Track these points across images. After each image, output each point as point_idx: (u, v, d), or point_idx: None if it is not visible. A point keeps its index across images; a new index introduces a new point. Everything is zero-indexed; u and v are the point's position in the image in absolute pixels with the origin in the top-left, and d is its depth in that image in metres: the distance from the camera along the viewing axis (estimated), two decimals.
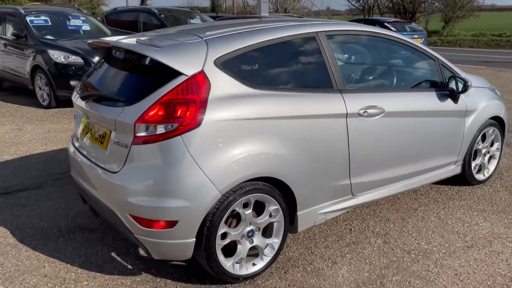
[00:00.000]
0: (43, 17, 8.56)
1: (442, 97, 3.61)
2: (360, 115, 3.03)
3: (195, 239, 2.52)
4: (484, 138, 4.18)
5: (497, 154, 4.40)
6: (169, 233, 2.47)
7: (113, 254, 3.12)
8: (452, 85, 3.59)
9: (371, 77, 3.37)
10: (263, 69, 2.80)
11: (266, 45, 2.79)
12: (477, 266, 2.91)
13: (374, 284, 2.72)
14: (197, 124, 2.42)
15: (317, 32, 3.02)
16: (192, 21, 10.35)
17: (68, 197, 4.07)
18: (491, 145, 4.32)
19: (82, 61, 7.62)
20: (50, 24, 8.59)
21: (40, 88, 8.04)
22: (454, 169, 3.96)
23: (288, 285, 2.72)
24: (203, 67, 2.52)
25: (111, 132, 2.64)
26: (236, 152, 2.53)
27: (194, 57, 2.54)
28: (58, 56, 7.60)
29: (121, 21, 10.54)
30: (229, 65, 2.61)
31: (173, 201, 2.41)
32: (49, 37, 8.27)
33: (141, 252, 3.10)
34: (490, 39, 25.23)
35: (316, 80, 2.96)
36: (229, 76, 2.58)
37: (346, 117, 2.97)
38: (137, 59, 2.69)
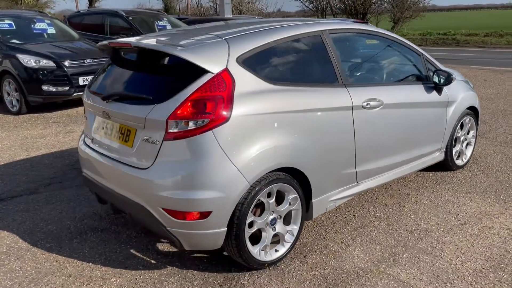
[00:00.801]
0: (7, 21, 8.30)
1: (428, 90, 3.92)
2: (363, 107, 3.27)
3: (226, 229, 2.64)
4: (461, 126, 4.54)
5: (473, 141, 4.79)
6: (202, 224, 2.58)
7: (132, 251, 3.18)
8: (437, 78, 3.90)
9: (369, 72, 3.61)
10: (278, 65, 2.97)
11: (280, 43, 2.96)
12: (474, 241, 3.21)
13: (388, 262, 2.95)
14: (226, 119, 2.55)
15: (322, 30, 3.23)
16: (160, 23, 10.33)
17: (69, 200, 4.06)
18: (468, 133, 4.69)
19: (54, 65, 7.47)
20: (14, 28, 8.34)
21: (8, 94, 7.80)
22: (439, 156, 4.29)
23: (310, 268, 2.90)
24: (227, 65, 2.66)
25: (137, 130, 2.72)
26: (261, 144, 2.68)
27: (218, 56, 2.68)
28: (28, 60, 7.41)
29: (86, 24, 10.35)
30: (249, 62, 2.76)
31: (206, 192, 2.53)
32: (15, 41, 8.03)
33: (159, 247, 3.18)
34: (437, 38, 26.62)
35: (324, 75, 3.16)
36: (250, 73, 2.73)
37: (352, 110, 3.19)
38: (162, 58, 2.78)
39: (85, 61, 7.83)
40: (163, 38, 2.95)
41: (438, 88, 4.00)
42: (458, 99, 4.30)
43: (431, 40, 25.77)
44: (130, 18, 9.75)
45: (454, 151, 4.48)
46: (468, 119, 4.58)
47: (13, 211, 3.87)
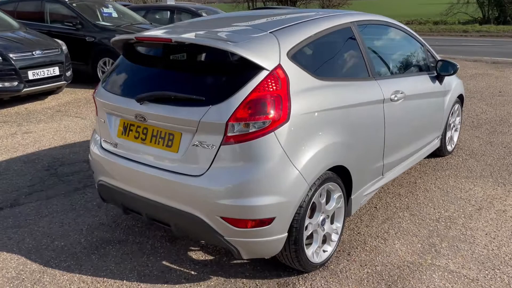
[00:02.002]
0: None
1: (433, 79, 4.02)
2: (391, 100, 3.26)
3: (287, 234, 2.51)
4: (451, 113, 4.73)
5: (459, 127, 5.02)
6: (265, 231, 2.43)
7: (165, 262, 2.93)
8: (444, 68, 4.00)
9: (389, 64, 3.60)
10: (321, 59, 2.85)
11: (320, 36, 2.85)
12: (497, 225, 3.36)
13: (431, 253, 2.99)
14: (286, 119, 2.40)
15: (351, 22, 3.15)
16: (105, 10, 9.65)
17: (64, 211, 3.66)
18: (455, 119, 4.90)
19: (0, 58, 6.71)
20: None
21: None
22: (437, 143, 4.44)
23: (360, 266, 2.86)
24: (279, 61, 2.50)
25: (182, 134, 2.48)
26: (316, 144, 2.57)
27: (270, 51, 2.51)
28: None
29: (21, 12, 9.39)
30: (297, 57, 2.62)
31: (269, 198, 2.38)
32: None
33: (192, 255, 2.97)
34: None
35: (358, 69, 3.10)
36: (300, 68, 2.60)
37: (383, 103, 3.17)
38: (208, 55, 2.55)
39: (33, 53, 7.12)
40: (200, 32, 2.70)
41: (440, 78, 4.10)
42: (452, 87, 4.46)
43: None
44: (74, 4, 9.00)
45: (447, 138, 4.66)
46: (457, 107, 4.77)
47: (3, 227, 3.41)
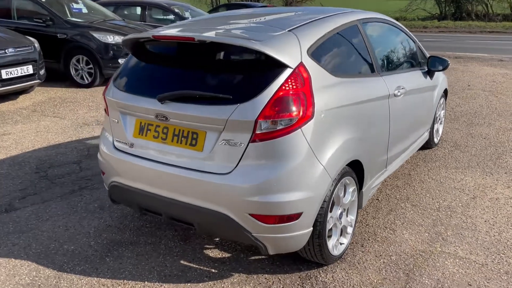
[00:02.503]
0: None
1: (424, 74, 4.18)
2: (395, 95, 3.37)
3: (312, 228, 2.57)
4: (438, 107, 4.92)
5: (443, 120, 5.23)
6: (292, 226, 2.47)
7: (183, 262, 2.93)
8: (436, 64, 4.16)
9: (389, 60, 3.71)
10: (335, 57, 2.91)
11: (332, 34, 2.91)
12: (493, 212, 3.55)
13: (439, 241, 3.12)
14: (311, 116, 2.45)
15: (357, 20, 3.24)
16: (75, 6, 9.35)
17: (65, 214, 3.57)
18: (440, 112, 5.11)
19: None
20: None
21: None
22: (427, 136, 4.62)
23: (376, 257, 2.95)
24: (301, 59, 2.54)
25: (207, 132, 2.48)
26: (337, 139, 2.64)
27: (292, 49, 2.54)
28: None
29: None
30: (315, 54, 2.67)
31: (297, 193, 2.42)
32: None
33: (209, 253, 2.98)
34: None
35: (365, 66, 3.19)
36: (318, 66, 2.65)
37: (388, 98, 3.28)
38: (230, 52, 2.56)
39: (6, 51, 6.83)
40: (219, 30, 2.69)
41: (431, 73, 4.27)
42: (439, 82, 4.65)
43: None
44: (44, 0, 8.68)
45: (434, 130, 4.85)
46: (442, 100, 4.98)
47: (4, 233, 3.29)
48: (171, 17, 10.85)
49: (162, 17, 11.16)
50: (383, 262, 2.88)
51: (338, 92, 2.73)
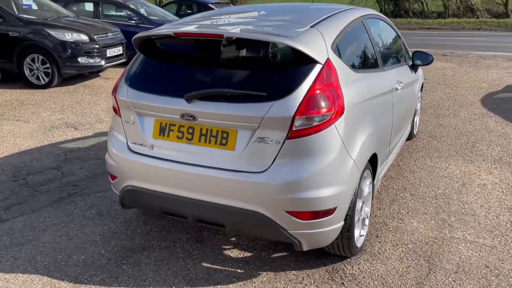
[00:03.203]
0: None
1: (410, 69, 4.34)
2: (396, 89, 3.49)
3: (343, 222, 2.60)
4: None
5: (419, 112, 5.47)
6: (327, 221, 2.49)
7: (205, 264, 2.86)
8: (420, 58, 4.33)
9: (386, 55, 3.81)
10: (351, 52, 2.96)
11: (347, 30, 2.95)
12: (485, 197, 3.76)
13: (446, 227, 3.27)
14: (343, 111, 2.48)
15: (362, 16, 3.31)
16: (24, 1, 8.79)
17: (63, 223, 3.37)
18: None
19: None
20: None
21: None
22: (409, 128, 4.81)
23: (393, 246, 3.04)
24: (328, 54, 2.56)
25: (238, 131, 2.44)
26: (362, 133, 2.70)
27: (319, 45, 2.55)
28: None
29: None
30: (337, 50, 2.70)
31: (332, 188, 2.45)
32: None
33: (229, 253, 2.93)
34: None
35: (373, 61, 3.27)
36: (341, 61, 2.68)
37: (392, 92, 3.39)
38: (264, 50, 2.52)
39: None
40: (244, 26, 2.64)
41: (415, 67, 4.45)
42: (419, 76, 4.85)
43: None
44: None
45: (414, 122, 5.06)
46: (420, 93, 5.20)
47: (0, 247, 3.05)
48: (126, 13, 10.48)
49: (116, 13, 10.75)
50: (402, 251, 2.97)
51: (358, 86, 2.78)
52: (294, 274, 2.75)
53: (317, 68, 2.45)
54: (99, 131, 5.61)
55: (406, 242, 3.07)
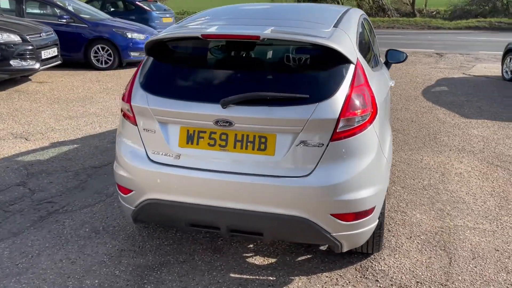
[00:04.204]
0: None
1: (385, 66, 4.52)
2: (391, 86, 3.61)
3: (378, 221, 2.64)
4: None
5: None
6: (367, 221, 2.50)
7: (233, 275, 2.75)
8: (395, 56, 4.51)
9: (378, 54, 3.91)
10: (365, 51, 2.99)
11: (359, 30, 2.98)
12: (467, 186, 4.02)
13: (446, 216, 3.45)
14: (377, 110, 2.51)
15: (360, 15, 3.37)
16: None
17: (58, 245, 3.05)
18: None
19: None
20: None
21: None
22: None
23: (407, 239, 3.14)
24: (356, 54, 2.57)
25: (277, 135, 2.37)
26: (387, 131, 2.76)
27: (350, 44, 2.55)
28: None
29: None
30: (359, 49, 2.72)
31: (373, 188, 2.46)
32: None
33: (254, 261, 2.85)
34: None
35: (376, 59, 3.35)
36: (364, 60, 2.71)
37: (390, 89, 3.50)
38: (299, 51, 2.45)
39: None
40: (270, 27, 2.54)
41: (388, 65, 4.63)
42: (387, 72, 5.06)
43: None
44: None
45: None
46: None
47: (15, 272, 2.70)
48: (53, 11, 9.72)
49: (41, 11, 9.91)
50: (418, 242, 3.08)
51: (377, 85, 2.82)
52: (326, 276, 2.73)
53: (352, 68, 2.45)
54: (55, 141, 5.16)
55: (418, 234, 3.19)
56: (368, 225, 2.52)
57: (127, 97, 2.60)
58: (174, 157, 2.49)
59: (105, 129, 5.61)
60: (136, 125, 2.58)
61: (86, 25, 9.49)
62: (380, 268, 2.80)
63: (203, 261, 2.87)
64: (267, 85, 2.42)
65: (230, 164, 2.42)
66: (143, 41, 9.77)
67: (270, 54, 2.55)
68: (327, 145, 2.33)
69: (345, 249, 2.55)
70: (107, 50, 9.49)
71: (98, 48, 9.48)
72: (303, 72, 2.47)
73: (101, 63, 9.58)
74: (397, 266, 2.82)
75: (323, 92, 2.34)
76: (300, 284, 2.66)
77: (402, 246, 3.04)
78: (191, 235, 3.15)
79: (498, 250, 2.99)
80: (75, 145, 5.01)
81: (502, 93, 7.86)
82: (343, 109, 2.31)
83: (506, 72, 9.11)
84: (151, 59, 2.66)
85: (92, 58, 9.51)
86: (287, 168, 2.36)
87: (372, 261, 2.87)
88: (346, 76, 2.40)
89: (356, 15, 3.15)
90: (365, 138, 2.40)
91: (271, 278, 2.71)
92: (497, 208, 3.59)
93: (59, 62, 8.38)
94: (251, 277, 2.72)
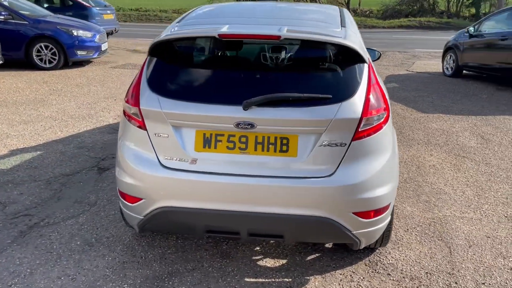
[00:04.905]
0: None
1: None
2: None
3: (390, 217, 2.70)
4: None
5: None
6: (383, 217, 2.55)
7: (248, 279, 2.69)
8: (374, 54, 4.63)
9: None
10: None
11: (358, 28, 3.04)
12: (446, 177, 4.23)
13: (433, 207, 3.60)
14: (389, 108, 2.57)
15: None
16: None
17: (50, 261, 2.83)
18: None
19: None
20: None
21: None
22: None
23: (405, 231, 3.24)
24: (367, 54, 2.61)
25: (299, 135, 2.35)
26: (393, 128, 2.82)
27: (361, 44, 2.59)
28: None
29: None
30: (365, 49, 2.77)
31: (389, 185, 2.52)
32: None
33: (266, 263, 2.82)
34: (140, 14, 27.14)
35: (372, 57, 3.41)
36: (371, 59, 2.77)
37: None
38: (317, 51, 2.44)
39: None
40: (285, 26, 2.50)
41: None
42: None
43: (134, 16, 26.11)
44: None
45: None
46: None
47: None
48: None
49: None
50: (415, 234, 3.20)
51: (382, 84, 2.88)
52: (340, 274, 2.76)
53: (366, 68, 2.48)
54: (14, 148, 4.78)
55: (413, 226, 3.31)
56: (384, 221, 2.58)
57: (133, 100, 2.46)
58: (190, 162, 2.39)
59: (67, 133, 5.27)
60: (145, 129, 2.44)
61: (26, 22, 8.86)
62: (388, 262, 2.87)
63: (213, 268, 2.79)
64: (286, 85, 2.39)
65: (250, 167, 2.36)
66: (91, 39, 9.31)
67: (286, 54, 2.52)
68: (349, 145, 2.34)
69: (361, 246, 2.59)
70: (51, 48, 8.92)
71: (41, 47, 8.89)
72: (322, 72, 2.46)
73: (45, 63, 8.99)
74: (403, 259, 2.91)
75: (345, 92, 2.35)
76: (317, 283, 2.66)
77: (402, 239, 3.14)
78: (194, 241, 3.05)
79: (489, 237, 3.18)
80: (38, 152, 4.67)
81: (447, 88, 8.36)
82: (364, 108, 2.34)
83: (447, 68, 9.70)
84: (157, 59, 2.52)
85: (34, 57, 8.90)
86: (310, 168, 2.35)
87: (379, 255, 2.94)
88: (363, 75, 2.43)
89: (350, 15, 3.20)
90: (382, 137, 2.45)
91: (287, 280, 2.68)
92: (476, 197, 3.81)
93: (1, 62, 7.76)
94: (267, 280, 2.68)
